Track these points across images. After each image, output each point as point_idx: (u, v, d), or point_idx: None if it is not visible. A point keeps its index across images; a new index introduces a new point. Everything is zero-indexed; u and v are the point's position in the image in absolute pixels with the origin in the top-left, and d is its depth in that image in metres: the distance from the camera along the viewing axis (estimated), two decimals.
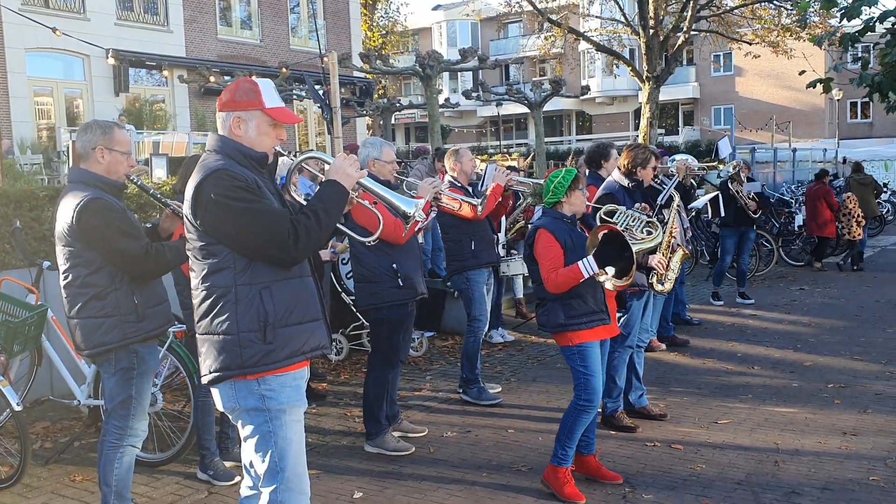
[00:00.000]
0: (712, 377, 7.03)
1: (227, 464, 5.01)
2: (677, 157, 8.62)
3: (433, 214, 5.69)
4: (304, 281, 3.06)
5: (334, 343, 7.88)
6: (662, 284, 5.45)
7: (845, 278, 12.61)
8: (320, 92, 12.16)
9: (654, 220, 4.97)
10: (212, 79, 18.65)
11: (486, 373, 6.96)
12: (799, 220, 13.95)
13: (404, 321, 5.37)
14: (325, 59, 9.92)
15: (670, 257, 5.48)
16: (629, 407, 5.94)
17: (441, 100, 25.73)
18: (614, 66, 39.90)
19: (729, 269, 10.69)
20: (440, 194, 5.33)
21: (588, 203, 4.73)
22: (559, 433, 4.58)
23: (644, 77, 24.02)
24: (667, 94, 40.12)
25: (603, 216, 4.88)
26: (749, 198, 9.77)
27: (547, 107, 47.51)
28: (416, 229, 5.21)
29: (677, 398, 6.41)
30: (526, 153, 27.67)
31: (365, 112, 20.46)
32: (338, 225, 3.13)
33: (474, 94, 19.31)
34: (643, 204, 5.42)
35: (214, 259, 2.93)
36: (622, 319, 5.53)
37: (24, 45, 20.41)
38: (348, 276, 7.94)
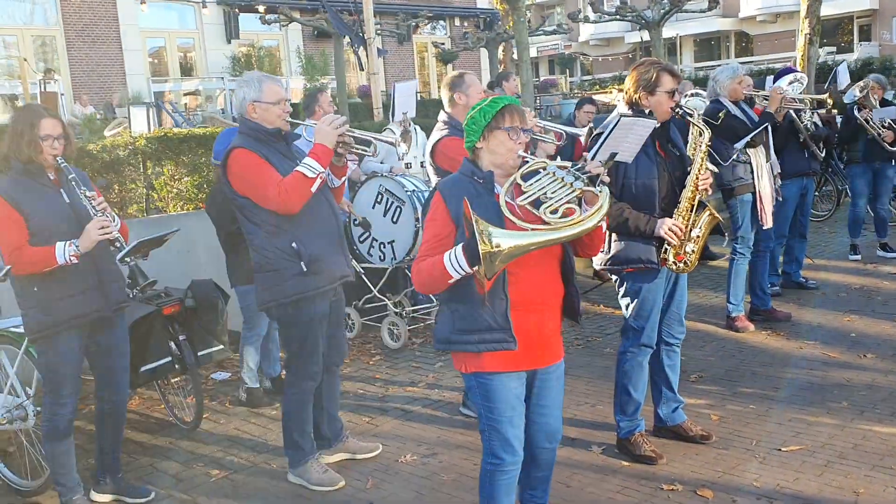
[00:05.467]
0: (803, 371, 5.29)
1: (101, 498, 3.97)
2: (786, 77, 6.72)
3: (353, 166, 4.30)
4: None
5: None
6: (686, 263, 3.80)
7: None
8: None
9: (605, 187, 2.90)
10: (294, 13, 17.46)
11: None
12: None
13: (319, 319, 3.96)
14: None
15: (693, 221, 3.79)
16: (661, 424, 4.37)
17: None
18: None
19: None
20: (345, 136, 3.84)
21: (522, 154, 3.04)
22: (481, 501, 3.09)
23: None
24: (840, 6, 35.79)
25: (519, 181, 2.96)
26: (884, 126, 7.63)
27: (701, 28, 43.77)
28: (313, 187, 3.71)
29: (740, 405, 4.76)
30: None
31: (470, 45, 18.83)
32: None
33: (581, 17, 17.25)
34: (585, 156, 3.46)
35: None
36: (630, 308, 3.97)
37: None
38: (361, 238, 6.71)
